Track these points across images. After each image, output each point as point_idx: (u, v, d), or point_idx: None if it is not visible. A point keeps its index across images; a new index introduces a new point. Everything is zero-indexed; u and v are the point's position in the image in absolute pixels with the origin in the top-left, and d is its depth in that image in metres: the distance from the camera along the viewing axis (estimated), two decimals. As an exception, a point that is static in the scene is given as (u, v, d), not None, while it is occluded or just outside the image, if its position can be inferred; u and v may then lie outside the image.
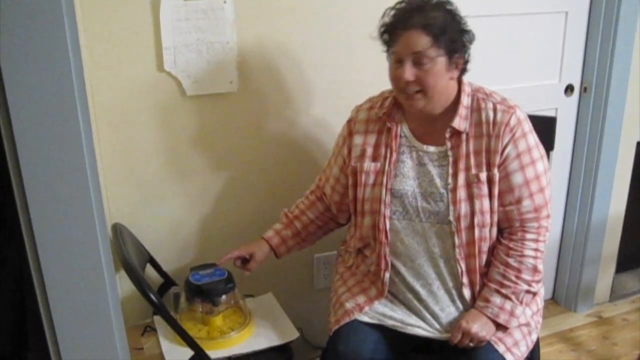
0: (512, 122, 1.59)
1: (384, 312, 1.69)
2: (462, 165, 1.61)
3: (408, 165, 1.68)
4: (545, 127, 1.91)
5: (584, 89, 2.65)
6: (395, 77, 1.60)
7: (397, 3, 1.60)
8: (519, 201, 1.61)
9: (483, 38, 2.34)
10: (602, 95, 2.59)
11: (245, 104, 2.01)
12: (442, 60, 1.55)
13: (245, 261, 1.84)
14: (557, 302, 3.00)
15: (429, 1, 1.57)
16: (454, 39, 1.55)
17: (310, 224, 1.88)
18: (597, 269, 2.89)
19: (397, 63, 1.58)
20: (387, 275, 1.69)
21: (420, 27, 1.52)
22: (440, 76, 1.57)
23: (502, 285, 1.61)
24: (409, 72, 1.56)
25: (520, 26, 2.45)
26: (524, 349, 1.65)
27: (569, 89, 2.64)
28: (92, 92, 1.80)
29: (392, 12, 1.59)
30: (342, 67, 2.11)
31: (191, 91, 1.92)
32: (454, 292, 1.66)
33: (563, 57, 2.58)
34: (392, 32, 1.58)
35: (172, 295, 1.92)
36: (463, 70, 1.64)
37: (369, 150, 1.72)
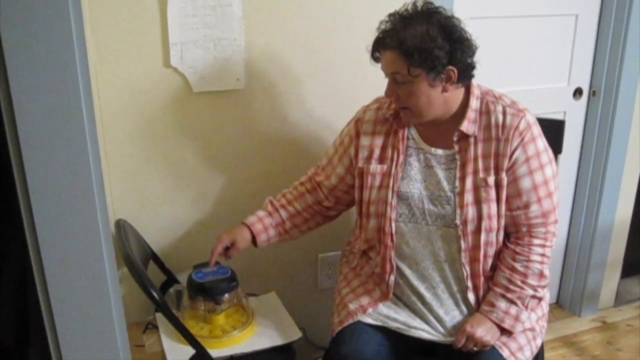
0: (522, 125, 1.57)
1: (388, 314, 1.68)
2: (470, 168, 1.60)
3: (415, 168, 1.66)
4: (553, 131, 1.90)
5: (592, 93, 2.63)
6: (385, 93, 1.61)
7: (388, 15, 1.57)
8: (526, 206, 1.59)
9: (492, 40, 2.36)
10: (611, 99, 2.58)
11: (252, 102, 2.00)
12: (422, 79, 1.51)
13: (226, 249, 1.79)
14: (562, 306, 2.99)
15: (415, 15, 1.52)
16: (436, 55, 1.48)
17: (296, 215, 1.83)
18: (602, 273, 2.88)
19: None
20: (392, 278, 1.68)
21: (395, 48, 1.50)
22: (422, 94, 1.54)
23: (508, 289, 1.60)
24: (389, 91, 1.59)
25: (529, 28, 2.44)
26: (528, 354, 1.64)
27: (578, 92, 2.62)
28: (98, 87, 1.79)
29: (379, 29, 1.57)
30: (352, 66, 2.08)
31: (197, 88, 1.91)
32: (458, 295, 1.65)
33: (572, 60, 2.57)
34: (374, 51, 1.58)
35: (174, 292, 1.91)
36: (466, 77, 1.58)
37: (377, 152, 1.70)
